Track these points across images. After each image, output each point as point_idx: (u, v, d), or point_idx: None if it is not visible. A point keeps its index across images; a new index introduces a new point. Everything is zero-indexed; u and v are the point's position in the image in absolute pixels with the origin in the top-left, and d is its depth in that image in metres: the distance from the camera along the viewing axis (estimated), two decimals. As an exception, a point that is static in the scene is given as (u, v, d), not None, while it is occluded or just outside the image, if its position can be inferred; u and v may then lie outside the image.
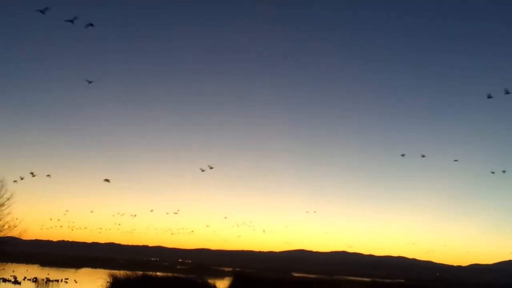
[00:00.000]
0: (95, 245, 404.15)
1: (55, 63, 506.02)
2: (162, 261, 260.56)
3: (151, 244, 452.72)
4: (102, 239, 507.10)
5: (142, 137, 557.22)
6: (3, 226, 47.74)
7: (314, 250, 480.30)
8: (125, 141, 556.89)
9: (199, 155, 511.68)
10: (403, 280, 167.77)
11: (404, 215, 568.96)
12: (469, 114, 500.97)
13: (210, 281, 76.96)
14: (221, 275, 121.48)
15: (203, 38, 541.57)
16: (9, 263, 68.27)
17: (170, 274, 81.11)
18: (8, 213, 48.27)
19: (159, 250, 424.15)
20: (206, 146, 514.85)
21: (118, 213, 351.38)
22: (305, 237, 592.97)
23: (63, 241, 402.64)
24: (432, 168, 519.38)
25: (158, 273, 77.56)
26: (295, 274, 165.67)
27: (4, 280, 64.00)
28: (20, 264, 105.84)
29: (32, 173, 73.19)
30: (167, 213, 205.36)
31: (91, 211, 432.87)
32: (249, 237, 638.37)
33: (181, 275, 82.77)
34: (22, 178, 74.69)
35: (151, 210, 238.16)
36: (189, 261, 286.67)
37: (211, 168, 76.86)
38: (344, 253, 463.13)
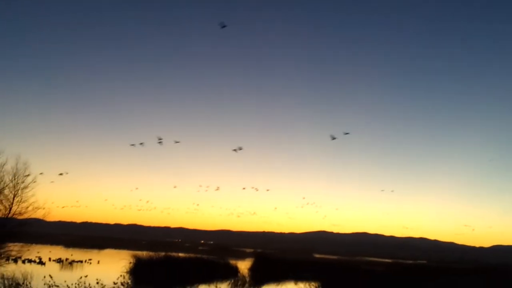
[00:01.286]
0: (117, 227, 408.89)
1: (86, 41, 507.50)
2: (184, 242, 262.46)
3: (172, 226, 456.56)
4: (125, 220, 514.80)
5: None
6: (27, 208, 48.23)
7: (335, 231, 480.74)
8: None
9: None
10: (425, 261, 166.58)
11: (425, 196, 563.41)
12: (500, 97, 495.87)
13: (232, 261, 77.34)
14: (242, 256, 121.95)
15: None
16: (33, 244, 69.11)
17: (192, 255, 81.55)
18: (32, 195, 48.70)
19: (181, 231, 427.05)
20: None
21: (201, 186, 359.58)
22: (326, 218, 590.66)
23: (86, 222, 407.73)
24: (455, 149, 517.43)
25: (180, 254, 78.08)
26: (316, 255, 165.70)
27: (30, 261, 65.00)
28: (44, 245, 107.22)
29: (160, 139, 71.14)
30: (257, 190, 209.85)
31: (174, 186, 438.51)
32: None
33: (203, 256, 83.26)
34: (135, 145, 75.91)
35: (243, 188, 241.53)
36: (211, 242, 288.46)
37: (334, 138, 74.47)
38: (365, 235, 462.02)
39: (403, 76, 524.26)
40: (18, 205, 47.74)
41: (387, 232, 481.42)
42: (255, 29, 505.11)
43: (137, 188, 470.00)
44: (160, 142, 68.78)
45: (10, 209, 47.54)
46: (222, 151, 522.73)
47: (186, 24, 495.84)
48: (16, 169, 48.46)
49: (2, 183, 49.01)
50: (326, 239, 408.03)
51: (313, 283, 52.48)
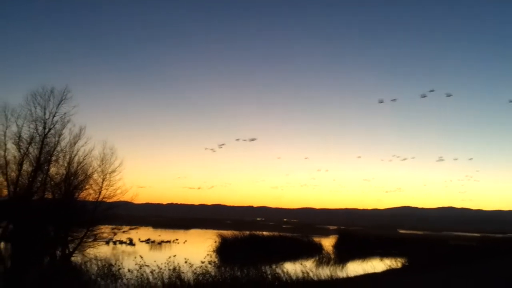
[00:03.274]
0: (202, 207, 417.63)
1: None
2: (268, 221, 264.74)
3: (256, 205, 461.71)
4: (209, 200, 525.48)
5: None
6: (116, 191, 49.98)
7: (419, 206, 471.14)
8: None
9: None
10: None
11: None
12: None
13: (316, 239, 77.22)
14: (326, 233, 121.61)
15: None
16: (123, 226, 71.57)
17: (276, 233, 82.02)
18: (120, 179, 50.43)
19: (264, 210, 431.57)
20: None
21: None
22: (409, 193, 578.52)
23: (172, 203, 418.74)
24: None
25: (264, 233, 78.66)
26: (401, 231, 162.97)
27: (121, 242, 67.50)
28: (134, 227, 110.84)
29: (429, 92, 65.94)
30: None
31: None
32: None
33: (287, 234, 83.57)
34: None
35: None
36: (294, 220, 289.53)
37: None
38: (451, 209, 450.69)
39: None
40: (107, 189, 49.64)
41: (474, 206, 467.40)
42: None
43: (306, 158, 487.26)
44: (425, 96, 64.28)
45: (100, 193, 49.46)
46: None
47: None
48: (104, 154, 50.37)
49: (91, 168, 51.10)
50: (411, 214, 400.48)
51: (399, 259, 51.55)
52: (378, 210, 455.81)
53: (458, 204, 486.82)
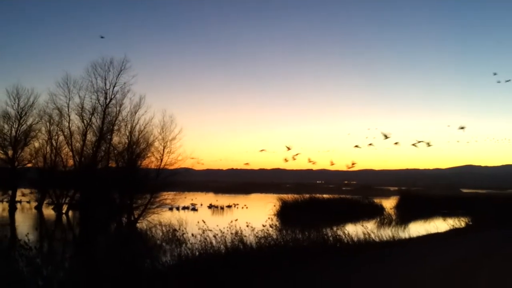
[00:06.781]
0: (262, 172, 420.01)
1: None
2: (327, 183, 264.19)
3: (315, 168, 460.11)
4: (269, 165, 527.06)
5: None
6: (176, 158, 51.05)
7: (482, 165, 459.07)
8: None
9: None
10: None
11: None
12: None
13: (376, 200, 76.67)
14: (386, 194, 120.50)
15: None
16: (185, 192, 72.96)
17: (336, 196, 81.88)
18: (180, 146, 51.51)
19: (323, 173, 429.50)
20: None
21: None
22: (472, 152, 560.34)
23: (232, 169, 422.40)
24: None
25: (324, 195, 78.63)
26: (464, 190, 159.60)
27: (183, 208, 68.77)
28: (195, 193, 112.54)
29: None
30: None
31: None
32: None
33: (347, 196, 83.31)
34: None
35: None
36: (354, 182, 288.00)
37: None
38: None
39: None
40: (168, 156, 50.81)
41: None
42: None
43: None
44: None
45: (161, 160, 50.66)
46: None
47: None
48: (164, 122, 51.48)
49: (152, 136, 52.36)
50: (474, 173, 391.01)
51: (462, 219, 50.64)
52: (439, 170, 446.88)
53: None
